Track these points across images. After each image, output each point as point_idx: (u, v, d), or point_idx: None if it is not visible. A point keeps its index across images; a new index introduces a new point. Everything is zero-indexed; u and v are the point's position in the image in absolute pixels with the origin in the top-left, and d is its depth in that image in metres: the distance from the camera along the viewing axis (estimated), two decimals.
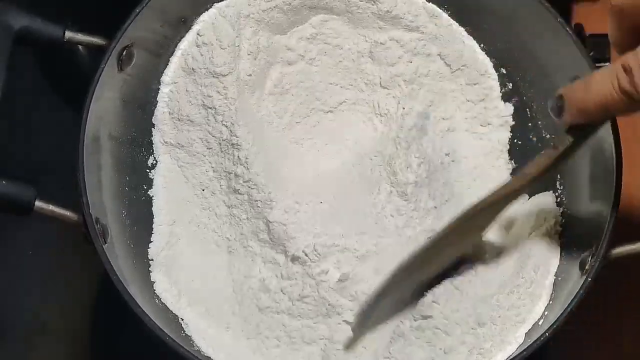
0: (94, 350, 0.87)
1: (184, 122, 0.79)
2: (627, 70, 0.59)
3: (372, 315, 0.74)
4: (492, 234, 0.78)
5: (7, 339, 0.86)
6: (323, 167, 0.82)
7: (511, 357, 0.70)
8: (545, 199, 0.79)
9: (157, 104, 0.80)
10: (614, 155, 0.71)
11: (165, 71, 0.80)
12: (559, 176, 0.79)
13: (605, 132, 0.72)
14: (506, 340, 0.73)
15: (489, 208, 0.71)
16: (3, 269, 0.87)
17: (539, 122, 0.81)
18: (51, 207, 0.70)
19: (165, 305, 0.76)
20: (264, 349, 0.75)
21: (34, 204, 0.69)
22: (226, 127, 0.78)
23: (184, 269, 0.78)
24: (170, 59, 0.80)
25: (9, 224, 0.85)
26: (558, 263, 0.76)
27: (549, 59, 0.78)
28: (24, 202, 0.69)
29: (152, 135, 0.81)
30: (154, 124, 0.80)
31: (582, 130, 0.66)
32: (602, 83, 0.61)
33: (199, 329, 0.75)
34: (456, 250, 0.75)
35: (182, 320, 0.75)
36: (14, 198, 0.69)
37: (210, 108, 0.78)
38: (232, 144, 0.78)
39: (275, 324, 0.75)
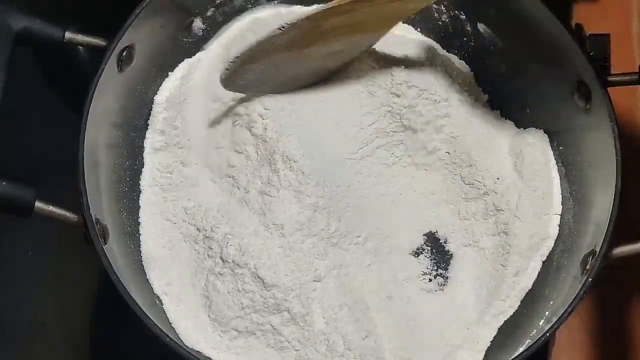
0: (94, 350, 0.87)
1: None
2: None
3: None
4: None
5: (7, 339, 0.86)
6: None
7: (512, 357, 0.70)
8: (546, 199, 0.79)
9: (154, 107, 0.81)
10: (615, 154, 0.71)
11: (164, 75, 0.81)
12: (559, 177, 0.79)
13: (606, 132, 0.72)
14: None
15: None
16: (3, 269, 0.87)
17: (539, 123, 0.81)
18: (51, 208, 0.70)
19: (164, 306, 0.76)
20: (262, 348, 0.75)
21: (34, 205, 0.69)
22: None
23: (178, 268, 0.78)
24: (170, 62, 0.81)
25: (9, 224, 0.84)
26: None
27: (549, 59, 0.78)
28: (24, 203, 0.69)
29: None
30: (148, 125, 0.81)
31: None
32: None
33: (198, 329, 0.75)
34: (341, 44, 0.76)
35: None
36: (14, 199, 0.68)
37: None
38: None
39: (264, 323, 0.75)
